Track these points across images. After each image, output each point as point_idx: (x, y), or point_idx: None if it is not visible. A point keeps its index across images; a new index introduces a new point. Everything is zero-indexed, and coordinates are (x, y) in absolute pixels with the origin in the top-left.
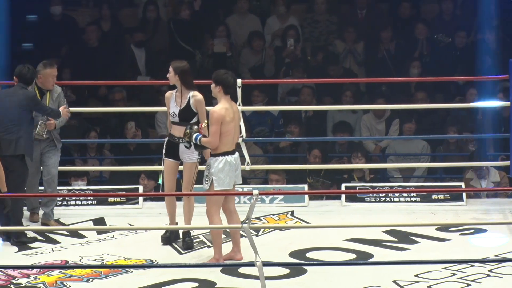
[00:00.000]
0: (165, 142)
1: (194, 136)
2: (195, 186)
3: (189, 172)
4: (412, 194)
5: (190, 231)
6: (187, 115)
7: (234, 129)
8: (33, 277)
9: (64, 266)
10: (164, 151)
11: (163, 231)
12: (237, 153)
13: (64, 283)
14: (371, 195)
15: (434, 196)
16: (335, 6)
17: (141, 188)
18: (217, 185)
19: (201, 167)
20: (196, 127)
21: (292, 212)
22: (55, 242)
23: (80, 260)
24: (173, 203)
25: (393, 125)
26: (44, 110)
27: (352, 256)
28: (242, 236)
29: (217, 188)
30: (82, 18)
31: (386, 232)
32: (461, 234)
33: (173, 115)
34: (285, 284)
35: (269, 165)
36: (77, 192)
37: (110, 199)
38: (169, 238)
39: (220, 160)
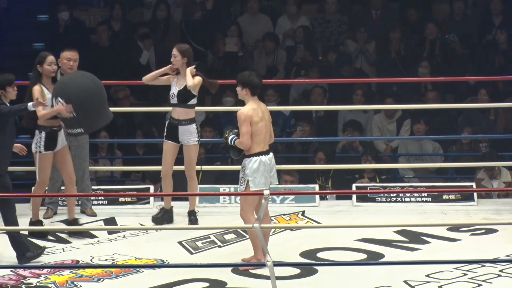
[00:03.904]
0: (166, 125)
1: (230, 138)
2: (204, 186)
3: (189, 154)
4: (423, 194)
5: (196, 210)
6: (185, 96)
7: (265, 129)
8: (44, 277)
9: (75, 266)
10: (165, 133)
11: (155, 213)
12: (271, 153)
13: (75, 283)
14: (382, 195)
15: (445, 196)
16: (346, 6)
17: (152, 188)
18: (253, 186)
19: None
20: (236, 130)
21: (303, 212)
22: (66, 242)
23: (91, 260)
24: (170, 186)
25: (404, 125)
26: (6, 112)
27: (363, 256)
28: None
29: (253, 189)
30: (93, 18)
31: (397, 232)
32: (472, 234)
33: (172, 96)
34: (296, 284)
35: (279, 165)
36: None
37: (121, 199)
38: (161, 218)
39: (254, 160)
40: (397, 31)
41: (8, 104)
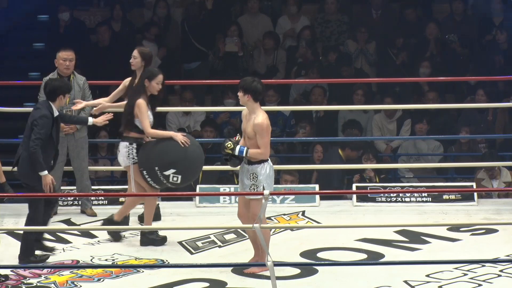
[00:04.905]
0: None
1: (237, 148)
2: (204, 186)
3: None
4: (423, 194)
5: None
6: None
7: None
8: (44, 277)
9: (75, 266)
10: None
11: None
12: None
13: (75, 283)
14: (382, 195)
15: (445, 196)
16: (346, 6)
17: None
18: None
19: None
20: (233, 139)
21: (303, 212)
22: (66, 242)
23: (91, 260)
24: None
25: (405, 125)
26: (34, 136)
27: (363, 256)
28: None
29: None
30: (93, 18)
31: (397, 232)
32: (472, 234)
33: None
34: (296, 284)
35: (279, 165)
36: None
37: (121, 199)
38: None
39: (266, 166)
40: (397, 32)
41: (57, 112)
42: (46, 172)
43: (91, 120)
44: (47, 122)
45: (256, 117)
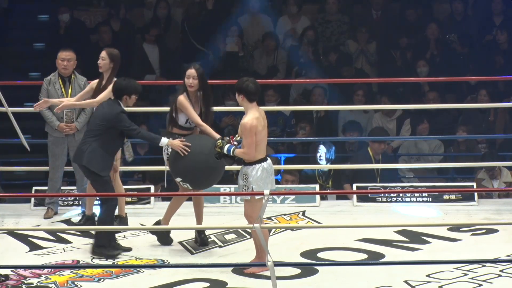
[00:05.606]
0: None
1: (226, 147)
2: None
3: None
4: (423, 194)
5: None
6: None
7: (266, 136)
8: (44, 277)
9: (75, 266)
10: None
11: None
12: (269, 158)
13: (76, 283)
14: (382, 195)
15: (445, 196)
16: (347, 6)
17: (152, 188)
18: None
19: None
20: (227, 138)
21: (304, 212)
22: (67, 242)
23: (91, 260)
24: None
25: (405, 125)
26: (128, 128)
27: (364, 256)
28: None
29: (258, 196)
30: (93, 18)
31: (398, 232)
32: (472, 234)
33: None
34: (296, 284)
35: (279, 165)
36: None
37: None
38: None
39: (257, 168)
40: (398, 32)
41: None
42: (165, 139)
43: (164, 140)
44: (125, 116)
45: (244, 117)
